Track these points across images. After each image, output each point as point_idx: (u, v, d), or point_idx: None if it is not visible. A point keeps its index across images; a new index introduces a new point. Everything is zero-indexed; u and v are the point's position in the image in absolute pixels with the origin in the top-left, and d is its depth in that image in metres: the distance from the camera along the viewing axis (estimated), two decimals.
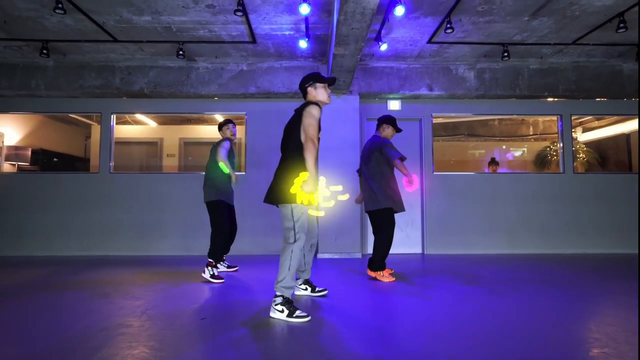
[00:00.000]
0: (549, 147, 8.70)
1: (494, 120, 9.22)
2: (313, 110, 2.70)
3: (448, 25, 4.53)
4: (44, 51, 5.18)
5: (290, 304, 2.60)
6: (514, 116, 8.38)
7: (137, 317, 2.59)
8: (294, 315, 2.54)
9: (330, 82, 2.99)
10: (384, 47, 5.06)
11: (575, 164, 6.86)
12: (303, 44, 4.96)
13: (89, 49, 5.51)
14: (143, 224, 6.00)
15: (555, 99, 6.27)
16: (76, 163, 8.83)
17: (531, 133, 9.44)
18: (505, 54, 5.33)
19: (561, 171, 6.29)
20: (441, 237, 6.08)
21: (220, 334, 2.26)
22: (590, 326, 2.39)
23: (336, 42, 4.17)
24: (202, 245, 5.67)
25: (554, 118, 8.19)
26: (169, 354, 1.93)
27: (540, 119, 8.78)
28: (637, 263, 4.80)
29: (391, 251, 5.94)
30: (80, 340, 2.13)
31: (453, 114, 6.43)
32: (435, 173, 6.21)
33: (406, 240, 6.20)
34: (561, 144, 6.32)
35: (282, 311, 2.57)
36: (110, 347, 2.03)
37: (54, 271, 4.47)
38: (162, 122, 8.51)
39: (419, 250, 6.19)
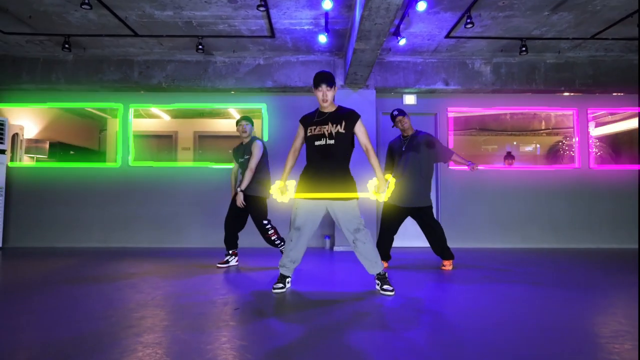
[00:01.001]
0: (561, 141, 8.69)
1: (506, 114, 9.20)
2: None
3: (468, 20, 4.54)
4: (66, 45, 5.25)
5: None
6: (526, 111, 8.41)
7: (156, 307, 2.68)
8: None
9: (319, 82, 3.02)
10: (402, 42, 5.08)
11: None
12: (323, 38, 4.99)
13: (109, 43, 5.57)
14: (159, 215, 6.10)
15: (572, 94, 6.27)
16: (90, 156, 8.94)
17: (543, 127, 9.42)
18: (523, 48, 5.33)
19: (577, 166, 6.30)
20: (456, 231, 6.12)
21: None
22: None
23: (358, 37, 4.21)
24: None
25: (567, 112, 8.21)
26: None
27: (553, 113, 8.74)
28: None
29: (407, 245, 6.02)
30: (121, 322, 2.22)
31: (469, 109, 6.44)
32: (450, 168, 6.25)
33: (421, 234, 6.24)
34: (577, 138, 6.33)
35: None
36: (150, 331, 2.12)
37: (78, 262, 4.58)
38: (175, 116, 8.58)
39: None
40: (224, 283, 3.45)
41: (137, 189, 6.15)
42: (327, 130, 2.94)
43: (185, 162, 8.27)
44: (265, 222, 4.12)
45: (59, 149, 7.69)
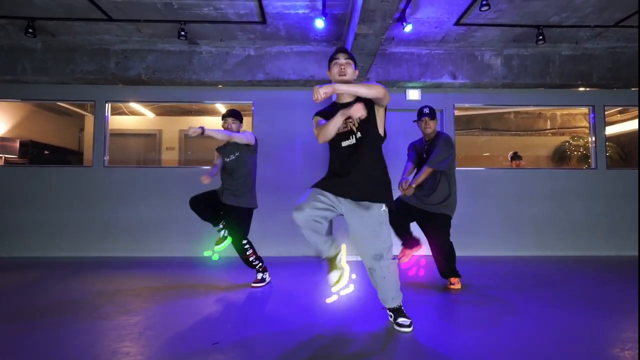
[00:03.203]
0: (568, 141, 8.24)
1: (509, 113, 8.75)
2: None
3: (484, 2, 4.04)
4: (30, 30, 4.65)
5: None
6: (531, 109, 7.94)
7: (134, 341, 2.12)
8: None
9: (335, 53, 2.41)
10: (408, 28, 4.56)
11: None
12: (320, 23, 4.45)
13: (80, 29, 4.98)
14: (140, 222, 5.50)
15: (588, 89, 5.79)
16: (69, 156, 8.30)
17: (548, 127, 8.98)
18: (540, 37, 4.84)
19: (593, 167, 5.82)
20: (464, 237, 5.59)
21: None
22: None
23: (360, 18, 3.68)
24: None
25: (575, 111, 7.77)
26: None
27: (559, 112, 8.32)
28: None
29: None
30: None
31: (477, 105, 5.95)
32: (457, 168, 5.72)
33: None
34: (593, 138, 5.85)
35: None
36: None
37: (41, 275, 3.98)
38: (160, 113, 7.98)
39: None
40: (211, 307, 2.89)
41: (113, 192, 5.54)
42: (354, 124, 2.30)
43: (169, 163, 7.68)
44: (244, 242, 3.47)
45: (31, 148, 7.06)
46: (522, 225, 5.65)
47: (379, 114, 2.35)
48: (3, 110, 6.67)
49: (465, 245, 5.55)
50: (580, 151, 7.95)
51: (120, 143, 7.64)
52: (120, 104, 6.84)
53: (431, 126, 3.56)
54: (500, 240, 5.63)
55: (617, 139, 8.21)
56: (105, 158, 5.63)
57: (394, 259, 2.36)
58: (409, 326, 2.31)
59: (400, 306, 2.41)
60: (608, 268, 4.53)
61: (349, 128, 2.31)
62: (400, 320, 2.34)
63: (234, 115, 3.61)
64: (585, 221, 5.66)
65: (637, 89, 5.78)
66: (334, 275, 2.23)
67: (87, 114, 7.80)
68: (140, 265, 4.71)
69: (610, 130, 8.39)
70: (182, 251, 5.45)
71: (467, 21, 4.77)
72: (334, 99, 2.50)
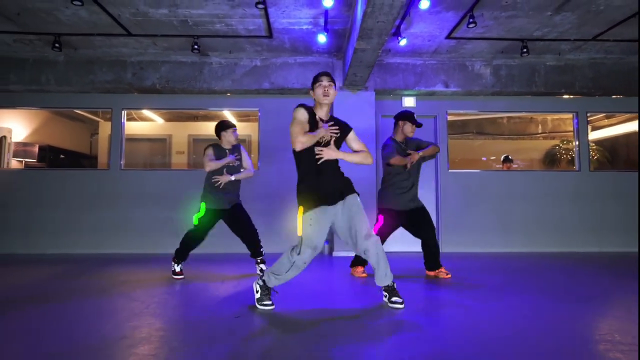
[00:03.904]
0: (559, 145, 8.65)
1: (502, 118, 9.15)
2: (294, 113, 2.65)
3: (470, 20, 4.46)
4: (56, 45, 5.08)
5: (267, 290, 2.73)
6: (523, 114, 8.35)
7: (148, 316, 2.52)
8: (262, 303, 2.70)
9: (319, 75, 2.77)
10: (403, 42, 4.98)
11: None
12: (322, 38, 4.88)
13: (101, 43, 5.41)
14: (154, 222, 5.90)
15: (571, 96, 6.21)
16: (82, 160, 8.73)
17: (540, 131, 9.39)
18: (524, 49, 5.27)
19: (576, 169, 6.24)
20: (457, 235, 6.01)
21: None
22: None
23: (359, 35, 4.10)
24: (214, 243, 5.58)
25: (565, 116, 8.16)
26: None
27: (550, 117, 8.72)
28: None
29: (408, 249, 5.88)
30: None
31: (468, 111, 6.37)
32: (450, 171, 6.15)
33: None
34: (577, 142, 6.27)
35: (257, 291, 2.75)
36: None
37: (67, 270, 4.38)
38: (169, 119, 8.40)
39: None
40: (219, 292, 3.29)
41: (129, 194, 5.94)
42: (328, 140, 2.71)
43: (179, 166, 8.09)
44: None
45: (49, 152, 7.49)
46: (512, 224, 6.05)
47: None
48: (23, 117, 7.09)
49: (457, 243, 5.97)
50: (569, 154, 8.35)
51: (133, 148, 8.05)
52: (131, 111, 7.25)
53: (410, 131, 3.94)
54: (491, 237, 6.02)
55: (604, 142, 8.63)
56: (121, 162, 6.04)
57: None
58: (401, 303, 2.68)
59: (394, 284, 2.77)
60: (590, 263, 4.92)
61: (328, 139, 2.69)
62: (394, 298, 2.70)
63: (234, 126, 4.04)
64: (570, 220, 6.06)
65: (617, 96, 6.19)
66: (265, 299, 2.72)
67: (99, 119, 8.23)
68: (155, 259, 5.10)
69: (598, 134, 8.83)
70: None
71: (457, 35, 5.19)
72: (311, 104, 2.80)
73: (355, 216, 2.67)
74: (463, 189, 6.09)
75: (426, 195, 6.07)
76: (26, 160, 6.93)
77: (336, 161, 2.75)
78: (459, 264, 4.71)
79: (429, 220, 3.92)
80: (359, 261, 3.97)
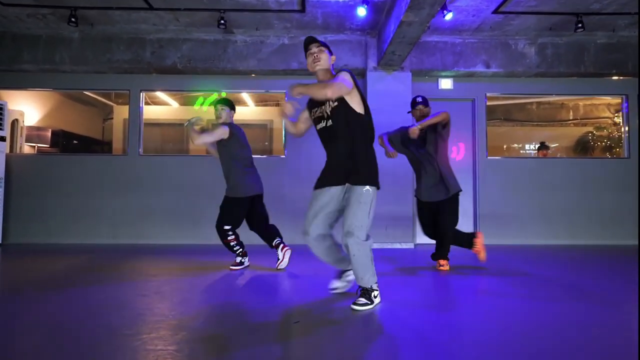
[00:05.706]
0: (592, 132, 8.22)
1: (532, 103, 8.71)
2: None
3: None
4: (72, 19, 4.70)
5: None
6: (553, 99, 7.89)
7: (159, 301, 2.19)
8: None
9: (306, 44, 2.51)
10: (449, 16, 4.56)
11: (618, 149, 6.41)
12: (362, 11, 4.47)
13: (119, 18, 5.02)
14: (175, 209, 5.58)
15: (621, 78, 5.77)
16: (94, 145, 8.40)
17: (571, 118, 8.94)
18: (579, 24, 4.83)
19: (625, 156, 5.83)
20: (495, 226, 5.64)
21: None
22: None
23: (409, 5, 3.69)
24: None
25: (598, 101, 7.71)
26: None
27: (582, 102, 8.27)
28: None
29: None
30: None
31: (509, 94, 5.95)
32: (489, 158, 5.76)
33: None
34: (626, 127, 5.84)
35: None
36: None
37: (84, 261, 4.07)
38: (184, 103, 8.02)
39: None
40: (253, 287, 2.96)
41: (149, 181, 5.61)
42: (326, 110, 2.37)
43: (197, 152, 7.75)
44: (227, 227, 3.56)
45: (61, 137, 7.16)
46: (552, 214, 5.67)
47: (350, 96, 2.34)
48: (35, 100, 6.74)
49: (498, 235, 5.61)
50: (603, 142, 7.92)
51: (148, 132, 7.71)
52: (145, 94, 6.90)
53: (425, 114, 3.60)
54: (531, 229, 5.66)
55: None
56: (140, 147, 5.70)
57: (367, 240, 2.32)
58: (362, 305, 2.29)
59: (370, 288, 2.37)
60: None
61: (322, 113, 2.39)
62: (359, 299, 2.32)
63: (225, 102, 3.65)
64: (618, 210, 5.66)
65: None
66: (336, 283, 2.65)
67: (113, 104, 7.87)
68: (176, 250, 4.79)
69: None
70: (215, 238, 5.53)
71: (506, 9, 4.76)
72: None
73: (347, 207, 2.33)
74: (502, 177, 5.70)
75: (463, 184, 5.71)
76: (39, 145, 6.61)
77: (344, 139, 2.36)
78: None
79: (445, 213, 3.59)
80: (440, 254, 3.70)
